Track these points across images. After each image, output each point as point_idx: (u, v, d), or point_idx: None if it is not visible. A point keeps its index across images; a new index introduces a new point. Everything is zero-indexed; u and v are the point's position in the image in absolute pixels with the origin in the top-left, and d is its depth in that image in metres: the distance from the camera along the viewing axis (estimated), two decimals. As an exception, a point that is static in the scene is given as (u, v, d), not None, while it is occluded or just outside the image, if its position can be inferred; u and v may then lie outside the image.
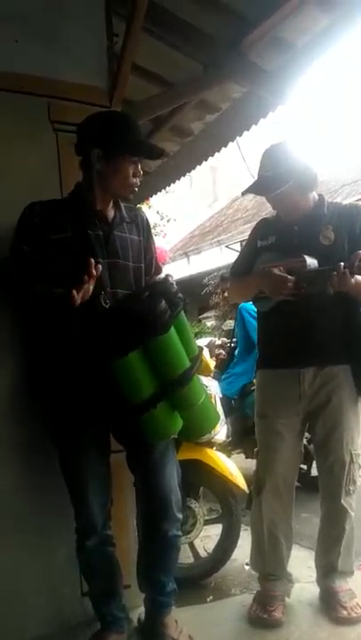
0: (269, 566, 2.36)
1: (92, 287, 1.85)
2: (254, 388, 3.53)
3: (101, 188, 2.02)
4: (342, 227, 2.29)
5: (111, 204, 2.09)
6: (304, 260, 2.17)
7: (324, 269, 2.14)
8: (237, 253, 2.78)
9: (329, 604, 2.30)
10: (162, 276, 2.01)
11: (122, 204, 2.13)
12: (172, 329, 1.85)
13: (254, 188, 2.35)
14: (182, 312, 1.93)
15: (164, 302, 1.82)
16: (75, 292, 1.80)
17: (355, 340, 2.29)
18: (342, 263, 2.06)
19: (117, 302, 1.95)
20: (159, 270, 2.23)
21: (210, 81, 3.14)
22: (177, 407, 1.92)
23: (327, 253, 2.21)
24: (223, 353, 5.03)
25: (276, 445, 2.32)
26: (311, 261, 2.17)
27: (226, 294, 4.72)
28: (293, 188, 2.24)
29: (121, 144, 1.97)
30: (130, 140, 1.98)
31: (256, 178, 2.36)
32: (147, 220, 2.25)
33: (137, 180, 2.04)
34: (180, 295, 1.92)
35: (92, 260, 1.85)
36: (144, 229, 2.19)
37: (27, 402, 2.20)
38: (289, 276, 2.14)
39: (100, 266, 1.87)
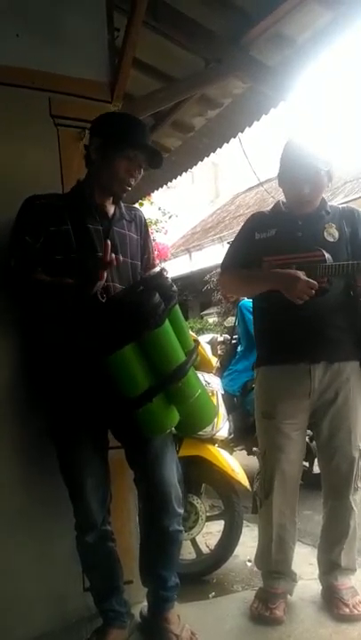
0: (275, 565, 2.35)
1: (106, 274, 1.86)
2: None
3: (95, 179, 2.04)
4: (344, 227, 2.31)
5: (111, 200, 2.09)
6: (323, 255, 2.16)
7: (350, 264, 2.15)
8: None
9: (331, 602, 2.29)
10: (156, 269, 2.00)
11: (121, 203, 2.14)
12: (167, 322, 1.85)
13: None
14: (177, 305, 1.93)
15: (157, 295, 1.82)
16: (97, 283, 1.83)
17: None
18: None
19: (113, 296, 1.95)
20: (154, 267, 2.23)
21: (211, 76, 3.14)
22: (173, 401, 1.91)
23: (331, 251, 2.20)
24: (219, 353, 5.01)
25: (284, 447, 2.28)
26: (328, 256, 2.17)
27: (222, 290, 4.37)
28: (326, 173, 2.25)
29: (117, 139, 1.99)
30: (128, 137, 2.00)
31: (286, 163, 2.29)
32: (145, 219, 2.26)
33: (130, 179, 2.04)
34: (174, 289, 1.91)
35: (108, 242, 1.85)
36: (142, 228, 2.21)
37: (26, 399, 2.20)
38: (315, 282, 2.11)
39: (113, 255, 1.87)
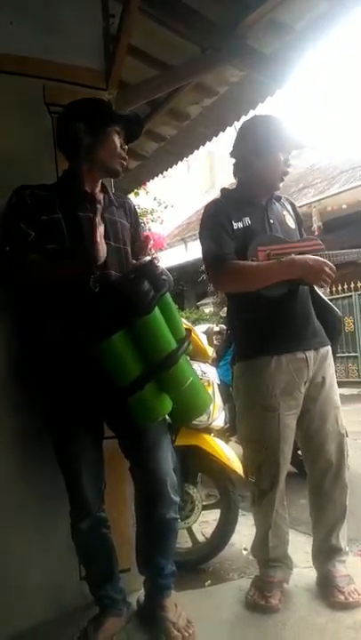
0: (272, 553, 2.35)
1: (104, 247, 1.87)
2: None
3: (90, 162, 2.04)
4: (292, 215, 2.37)
5: (99, 187, 2.10)
6: (322, 244, 2.18)
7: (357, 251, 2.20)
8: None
9: (326, 589, 2.30)
10: (147, 258, 1.99)
11: (110, 190, 2.15)
12: (157, 310, 1.86)
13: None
14: (167, 294, 1.94)
15: (147, 283, 1.83)
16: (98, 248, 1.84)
17: (327, 319, 2.36)
18: None
19: (107, 284, 1.95)
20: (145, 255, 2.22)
21: (207, 64, 3.11)
22: (164, 389, 1.92)
23: (293, 237, 2.27)
24: (215, 343, 5.02)
25: (286, 437, 2.26)
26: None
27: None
28: None
29: (105, 115, 2.03)
30: (109, 112, 2.06)
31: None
32: (134, 207, 2.26)
33: (124, 152, 2.06)
34: (164, 277, 1.91)
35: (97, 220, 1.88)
36: (132, 216, 2.21)
37: (22, 390, 2.20)
38: (333, 266, 2.14)
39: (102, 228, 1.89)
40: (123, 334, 1.82)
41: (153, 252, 2.23)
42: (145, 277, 1.85)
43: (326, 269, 2.11)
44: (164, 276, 1.91)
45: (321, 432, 2.30)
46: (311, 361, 2.25)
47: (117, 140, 2.03)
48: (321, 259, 2.13)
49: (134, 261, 2.07)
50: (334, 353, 2.40)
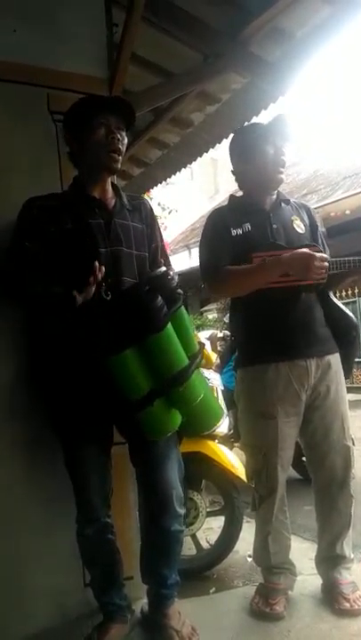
0: (274, 559, 2.34)
1: (94, 288, 1.85)
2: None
3: (86, 166, 2.04)
4: (305, 219, 2.35)
5: (111, 192, 2.08)
6: (321, 251, 2.16)
7: (355, 260, 2.16)
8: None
9: (331, 596, 2.28)
10: (161, 269, 1.95)
11: (123, 193, 2.12)
12: (169, 326, 1.82)
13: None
14: (182, 308, 1.90)
15: (160, 299, 1.79)
16: (76, 293, 1.82)
17: (338, 325, 2.33)
18: None
19: (121, 293, 1.92)
20: (166, 261, 2.18)
21: (210, 71, 3.13)
22: (175, 404, 1.90)
23: (300, 242, 2.22)
24: (219, 349, 5.03)
25: (284, 445, 2.26)
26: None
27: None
28: None
29: (80, 116, 1.99)
30: (88, 107, 2.00)
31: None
32: (151, 208, 2.22)
33: (114, 142, 1.98)
34: (179, 291, 1.89)
35: (97, 264, 1.85)
36: (148, 218, 2.17)
37: (29, 396, 2.20)
38: (327, 256, 2.11)
39: (103, 268, 1.87)
40: (133, 350, 1.78)
41: (168, 251, 2.21)
42: (158, 291, 1.81)
43: (315, 262, 2.04)
44: (179, 290, 1.89)
45: (324, 443, 2.29)
46: (313, 369, 2.23)
47: (103, 132, 1.97)
48: (308, 251, 2.07)
49: (149, 271, 2.05)
50: (351, 360, 2.39)
